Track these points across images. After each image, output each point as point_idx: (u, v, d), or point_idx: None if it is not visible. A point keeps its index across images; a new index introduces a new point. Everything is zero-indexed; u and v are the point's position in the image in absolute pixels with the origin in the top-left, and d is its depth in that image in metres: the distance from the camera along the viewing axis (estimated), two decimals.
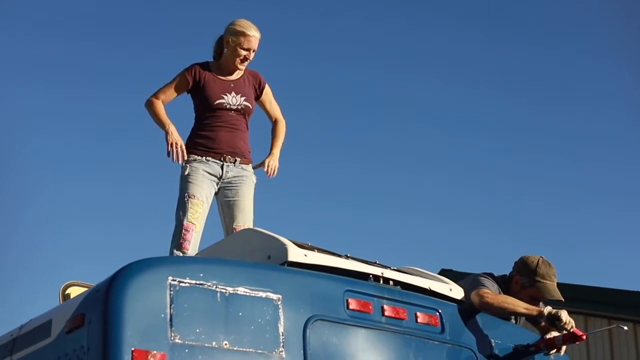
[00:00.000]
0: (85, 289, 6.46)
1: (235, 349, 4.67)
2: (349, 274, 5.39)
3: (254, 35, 6.81)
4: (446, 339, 5.48)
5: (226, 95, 6.80)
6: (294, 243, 5.40)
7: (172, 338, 4.52)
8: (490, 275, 6.14)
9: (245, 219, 6.74)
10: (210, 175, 6.67)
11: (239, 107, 6.83)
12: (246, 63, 6.87)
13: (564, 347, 5.71)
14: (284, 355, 4.80)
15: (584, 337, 5.64)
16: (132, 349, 4.41)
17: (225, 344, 4.66)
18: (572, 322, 5.63)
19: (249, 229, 5.84)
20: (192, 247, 6.38)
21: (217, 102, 6.76)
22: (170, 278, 4.63)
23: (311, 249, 5.48)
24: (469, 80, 23.44)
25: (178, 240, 6.46)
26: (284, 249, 5.28)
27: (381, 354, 5.17)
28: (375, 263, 5.75)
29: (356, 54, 23.14)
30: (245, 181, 6.78)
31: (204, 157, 6.68)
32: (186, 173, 6.66)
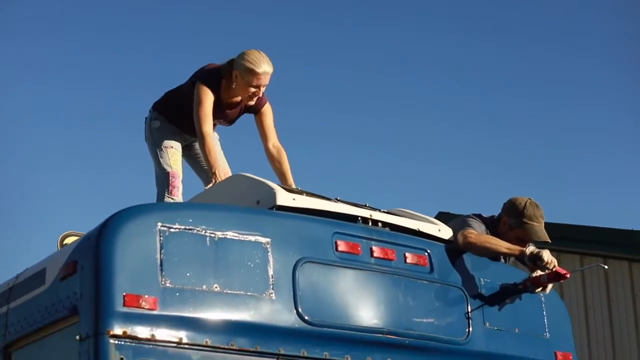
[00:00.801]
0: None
1: (225, 291, 4.78)
2: (338, 217, 5.47)
3: (264, 71, 6.46)
4: (435, 279, 5.57)
5: (218, 120, 6.73)
6: (282, 188, 5.48)
7: (162, 282, 4.62)
8: (479, 216, 6.21)
9: (224, 164, 6.85)
10: (179, 133, 6.79)
11: (219, 124, 6.81)
12: (255, 98, 6.62)
13: (549, 286, 5.79)
14: (273, 297, 4.91)
15: (568, 275, 5.72)
16: (124, 293, 4.52)
17: (216, 287, 4.76)
18: (555, 262, 5.70)
19: (238, 175, 5.90)
20: (181, 193, 6.48)
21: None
22: (160, 224, 4.71)
23: (300, 192, 5.56)
24: (461, 30, 23.54)
25: (167, 187, 6.56)
26: (272, 194, 5.36)
27: (370, 294, 5.27)
28: (365, 206, 5.83)
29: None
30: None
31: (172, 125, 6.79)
32: (157, 127, 6.77)
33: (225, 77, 6.54)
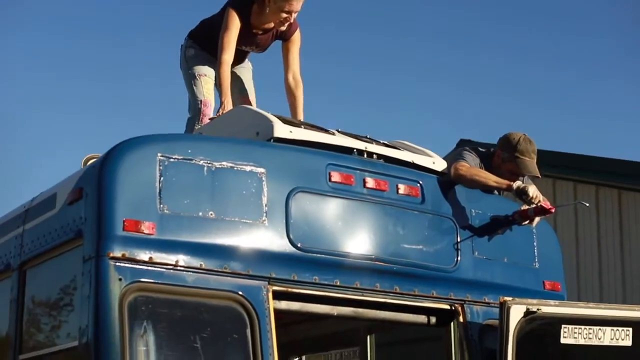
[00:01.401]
0: None
1: (220, 218, 5.10)
2: (334, 149, 5.73)
3: None
4: (427, 209, 5.83)
5: (247, 46, 6.90)
6: (281, 120, 5.74)
7: (160, 209, 4.94)
8: (475, 150, 6.43)
9: (251, 94, 7.10)
10: (213, 60, 6.90)
11: (251, 51, 7.00)
12: (287, 24, 6.75)
13: (536, 219, 6.03)
14: (266, 224, 5.22)
15: (552, 210, 5.96)
16: (124, 219, 4.85)
17: (211, 214, 5.07)
18: (540, 197, 5.93)
19: (241, 107, 6.18)
20: None
21: (237, 47, 6.77)
22: (160, 154, 5.02)
23: (298, 125, 5.82)
24: None
25: (198, 115, 6.81)
26: (270, 126, 5.63)
27: (361, 223, 5.56)
28: (364, 137, 6.08)
29: None
30: (245, 67, 7.13)
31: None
32: (192, 54, 6.98)
33: (257, 2, 6.68)
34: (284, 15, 6.66)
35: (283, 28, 6.80)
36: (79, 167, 5.88)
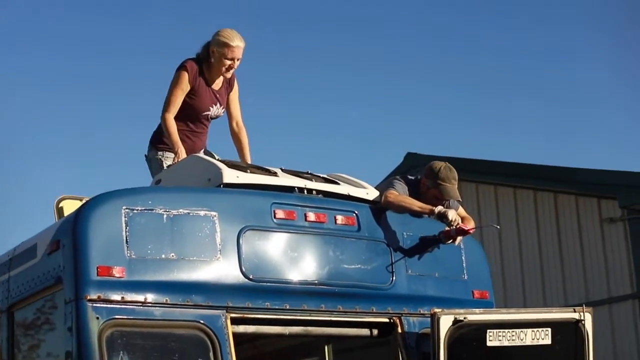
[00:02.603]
0: (77, 201, 7.75)
1: (180, 258, 5.90)
2: (278, 189, 6.55)
3: (237, 45, 7.35)
4: (363, 236, 6.65)
5: (212, 107, 7.58)
6: (228, 167, 6.54)
7: (128, 254, 5.74)
8: (404, 178, 7.23)
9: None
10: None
11: (217, 117, 7.64)
12: (231, 71, 7.49)
13: (458, 238, 6.83)
14: (221, 260, 6.02)
15: (471, 231, 6.77)
16: (97, 265, 5.64)
17: (172, 255, 5.87)
18: (458, 220, 6.74)
19: (193, 156, 6.98)
20: None
21: (204, 113, 7.55)
22: (124, 207, 5.82)
23: (245, 169, 6.62)
24: None
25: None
26: (219, 173, 6.44)
27: (305, 252, 6.37)
28: (307, 173, 6.90)
29: None
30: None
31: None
32: (155, 157, 7.60)
33: (204, 57, 7.43)
34: (228, 62, 7.38)
35: (228, 75, 7.51)
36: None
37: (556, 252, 11.83)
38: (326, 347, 8.43)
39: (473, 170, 12.61)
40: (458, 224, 6.70)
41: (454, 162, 12.37)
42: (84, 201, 7.54)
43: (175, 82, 7.40)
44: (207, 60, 7.44)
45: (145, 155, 7.79)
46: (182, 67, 7.41)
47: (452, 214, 6.73)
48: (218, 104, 7.59)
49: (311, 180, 6.81)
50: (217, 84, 7.58)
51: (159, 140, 7.57)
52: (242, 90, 7.85)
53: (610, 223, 11.28)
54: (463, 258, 7.11)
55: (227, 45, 7.38)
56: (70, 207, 7.77)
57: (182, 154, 7.23)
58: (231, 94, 7.72)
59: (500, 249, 12.12)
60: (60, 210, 8.06)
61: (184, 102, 7.39)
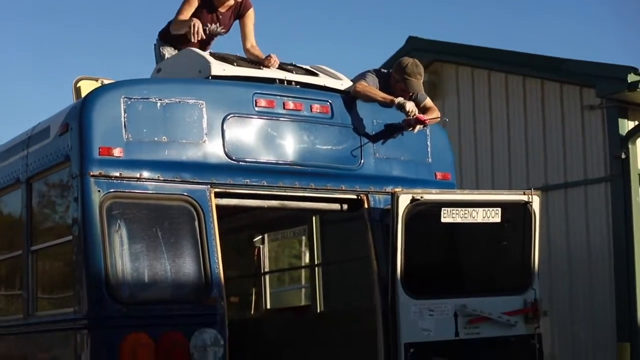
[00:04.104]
0: (92, 81, 8.73)
1: (171, 140, 6.84)
2: (260, 80, 7.44)
3: None
4: (336, 122, 7.53)
5: (210, 24, 8.19)
6: (218, 58, 7.42)
7: (126, 137, 6.69)
8: (377, 71, 8.03)
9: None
10: None
11: (216, 34, 8.26)
12: None
13: (417, 127, 7.67)
14: (207, 143, 6.96)
15: (427, 122, 7.62)
16: (99, 146, 6.61)
17: (164, 139, 6.82)
18: (415, 111, 7.56)
19: (187, 50, 7.85)
20: None
21: (204, 28, 8.00)
22: (123, 96, 6.74)
23: (232, 62, 7.50)
24: None
25: None
26: (208, 65, 7.34)
27: (282, 137, 7.28)
28: (290, 64, 7.77)
29: None
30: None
31: None
32: (164, 53, 8.34)
33: None
34: None
35: None
36: None
37: (540, 136, 12.68)
38: (314, 217, 9.49)
39: (467, 55, 13.39)
40: (415, 114, 7.54)
41: (451, 47, 13.36)
42: (99, 82, 8.61)
43: (182, 5, 8.13)
44: None
45: (154, 44, 8.66)
46: None
47: (409, 105, 7.56)
48: (218, 23, 8.24)
49: (292, 72, 7.68)
50: (225, 6, 8.23)
51: (165, 35, 8.38)
52: None
53: (590, 110, 12.08)
54: (428, 143, 7.98)
55: None
56: (87, 87, 8.68)
57: (198, 23, 7.87)
58: (244, 18, 8.27)
59: (490, 131, 13.02)
60: (77, 90, 9.00)
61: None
